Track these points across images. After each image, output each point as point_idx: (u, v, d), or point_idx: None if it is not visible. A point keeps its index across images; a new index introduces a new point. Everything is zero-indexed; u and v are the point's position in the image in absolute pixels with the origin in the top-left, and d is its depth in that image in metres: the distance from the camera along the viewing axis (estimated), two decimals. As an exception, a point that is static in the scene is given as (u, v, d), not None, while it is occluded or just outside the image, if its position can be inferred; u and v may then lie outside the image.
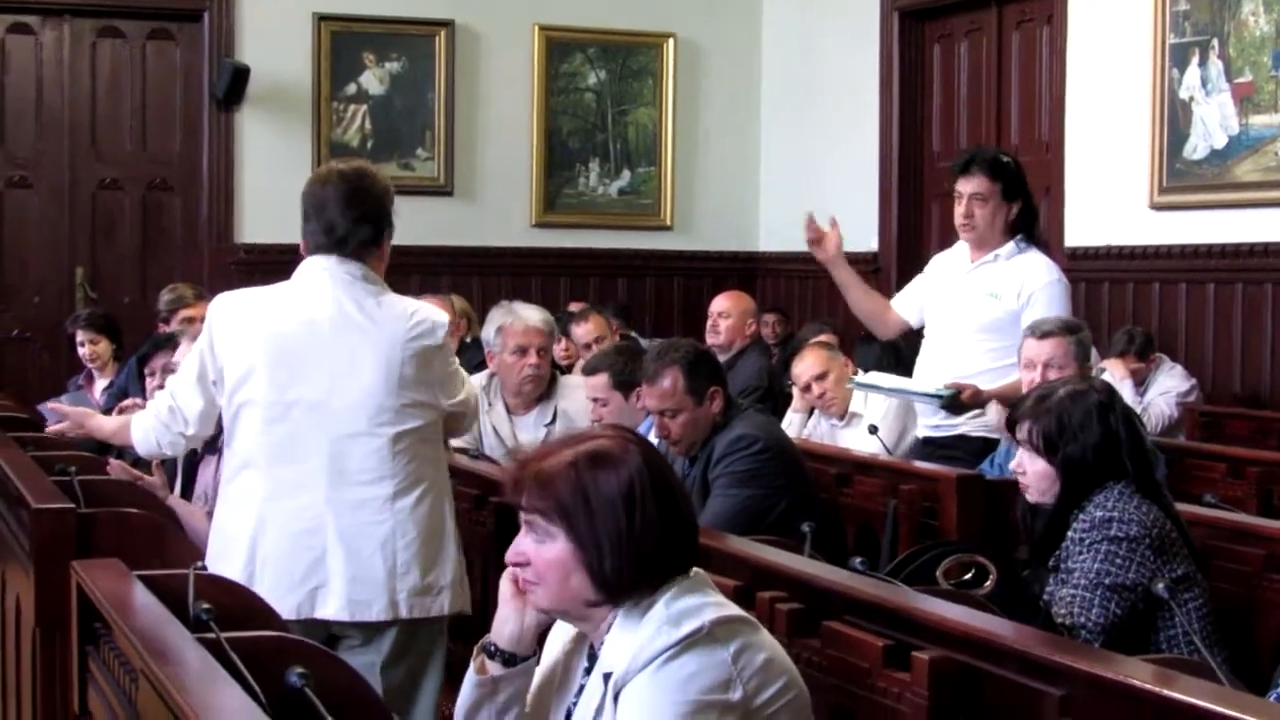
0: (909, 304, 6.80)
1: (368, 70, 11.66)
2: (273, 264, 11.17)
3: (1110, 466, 4.46)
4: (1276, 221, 8.41)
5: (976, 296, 6.39)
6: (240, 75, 11.14)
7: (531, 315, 6.90)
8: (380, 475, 4.42)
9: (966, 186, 6.43)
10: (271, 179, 11.32)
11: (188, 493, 5.63)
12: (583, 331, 8.81)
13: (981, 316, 6.35)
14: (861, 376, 6.78)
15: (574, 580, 3.00)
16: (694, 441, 5.70)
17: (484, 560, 5.18)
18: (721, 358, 8.34)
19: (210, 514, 5.26)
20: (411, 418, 4.46)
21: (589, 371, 6.56)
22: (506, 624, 3.15)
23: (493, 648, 3.16)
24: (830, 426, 7.25)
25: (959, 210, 6.48)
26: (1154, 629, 4.31)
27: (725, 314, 8.51)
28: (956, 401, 6.16)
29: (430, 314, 4.62)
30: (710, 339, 8.58)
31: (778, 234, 12.35)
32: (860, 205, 11.34)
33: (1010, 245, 6.40)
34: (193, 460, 5.59)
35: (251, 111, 11.34)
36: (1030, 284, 6.30)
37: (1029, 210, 6.47)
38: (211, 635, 3.26)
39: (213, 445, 5.39)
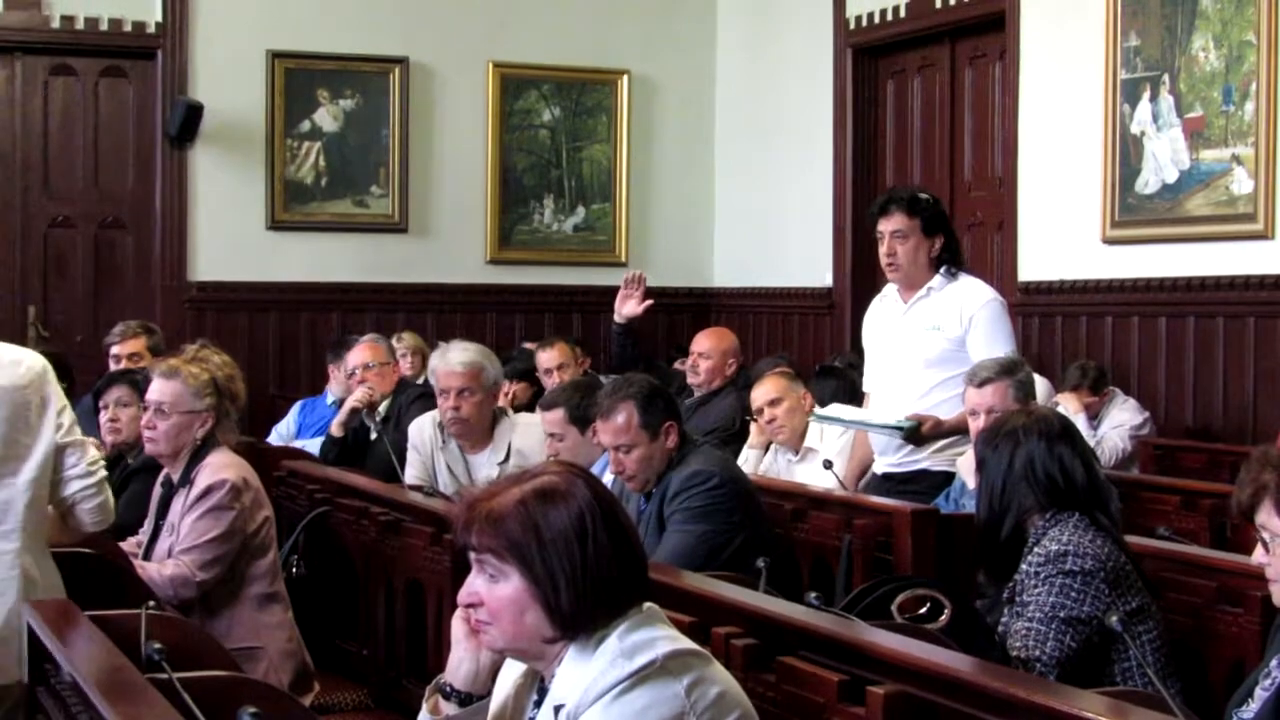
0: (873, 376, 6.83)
1: (322, 107, 11.64)
2: (226, 302, 11.28)
3: (1054, 495, 4.51)
4: (1228, 255, 8.46)
5: (918, 333, 6.41)
6: (194, 113, 11.11)
7: (453, 357, 6.87)
8: (11, 528, 4.35)
9: (887, 226, 6.46)
10: (225, 216, 11.31)
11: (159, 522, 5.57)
12: (547, 357, 8.84)
13: (928, 351, 6.38)
14: (822, 410, 6.79)
15: (529, 617, 2.98)
16: (649, 477, 5.69)
17: (439, 598, 5.16)
18: (697, 395, 8.39)
19: (171, 550, 5.27)
20: (30, 468, 4.40)
21: (546, 406, 6.55)
22: (462, 665, 3.13)
23: (448, 688, 3.14)
24: (787, 462, 7.26)
25: (882, 250, 6.52)
26: (1108, 661, 4.33)
27: (706, 355, 8.47)
28: (917, 433, 6.19)
29: (33, 361, 4.56)
30: (690, 379, 8.58)
31: (732, 269, 12.39)
32: (814, 241, 11.39)
33: (939, 277, 6.43)
34: (169, 491, 5.55)
35: (205, 149, 11.31)
36: (969, 306, 6.33)
37: (952, 244, 6.50)
38: (164, 675, 3.25)
39: (186, 477, 5.38)
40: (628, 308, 7.72)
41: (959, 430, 6.10)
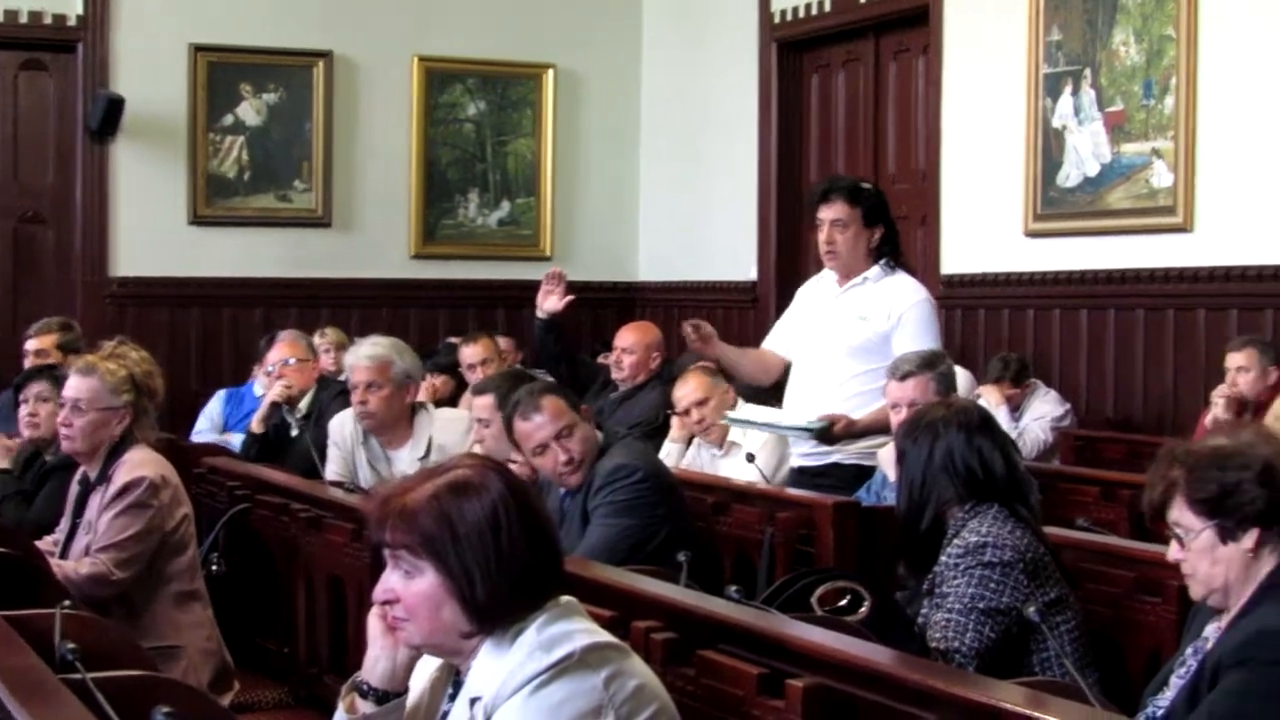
0: (783, 339, 6.81)
1: (245, 101, 11.57)
2: (147, 297, 11.19)
3: (974, 487, 4.54)
4: (1148, 248, 8.53)
5: (846, 319, 6.42)
6: (115, 106, 11.02)
7: (361, 351, 6.87)
8: None
9: (827, 214, 6.48)
10: (146, 211, 11.23)
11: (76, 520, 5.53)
12: (470, 352, 8.86)
13: (851, 339, 6.39)
14: (734, 411, 6.80)
15: (445, 612, 2.97)
16: (592, 460, 5.68)
17: (360, 594, 5.14)
18: (622, 389, 8.40)
19: (89, 548, 5.22)
20: None
21: (477, 392, 6.65)
22: (379, 662, 3.10)
23: (365, 686, 3.11)
24: (711, 456, 7.25)
25: (821, 238, 6.52)
26: (1028, 652, 4.35)
27: (629, 350, 8.47)
28: (829, 432, 6.19)
29: None
30: (614, 374, 8.57)
31: (657, 264, 12.39)
32: (739, 235, 11.41)
33: (877, 269, 6.45)
34: (86, 488, 5.50)
35: (126, 143, 11.21)
36: (899, 305, 6.35)
37: (891, 235, 6.52)
38: (77, 676, 3.22)
39: (103, 475, 5.34)
40: (549, 303, 7.73)
41: (873, 430, 6.12)
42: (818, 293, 6.71)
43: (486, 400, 6.40)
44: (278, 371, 8.02)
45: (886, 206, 6.62)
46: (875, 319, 6.35)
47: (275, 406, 7.85)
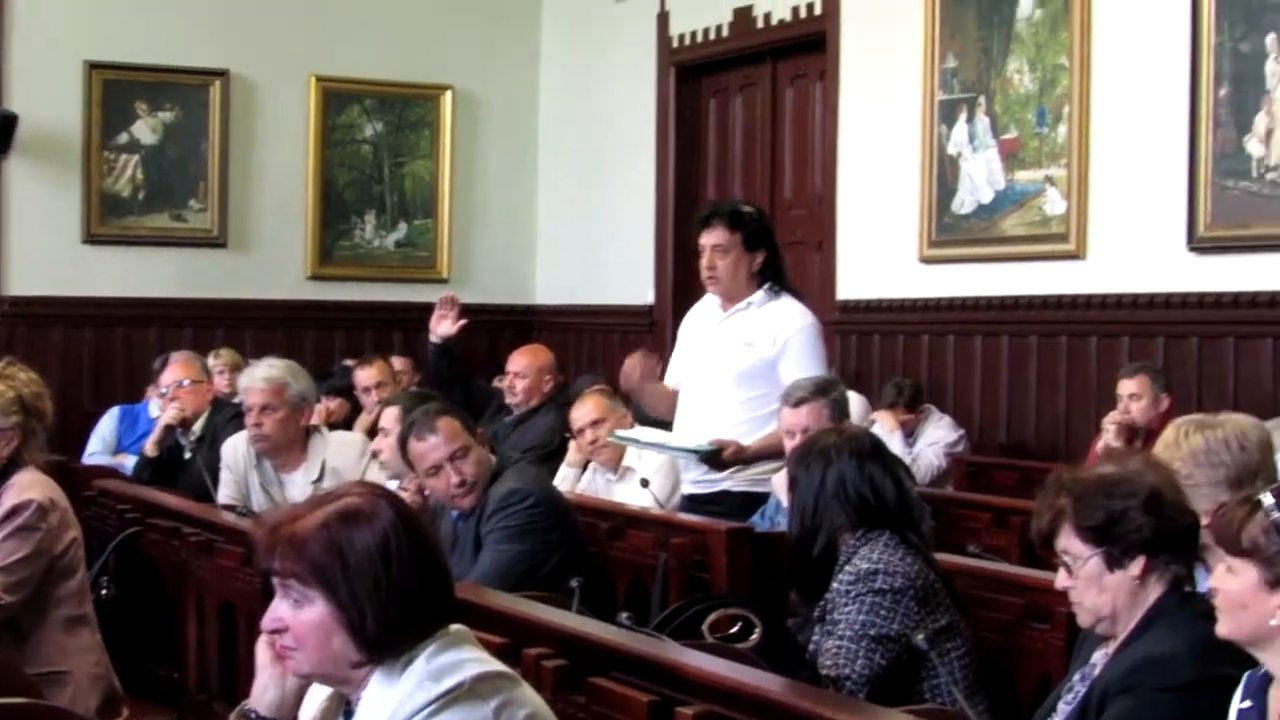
0: (678, 374, 6.81)
1: (140, 120, 11.46)
2: (40, 317, 11.06)
3: (865, 514, 4.56)
4: (1041, 275, 8.61)
5: (731, 345, 6.41)
6: (8, 123, 10.88)
7: (256, 373, 6.87)
8: None
9: (708, 239, 6.48)
10: (39, 230, 11.10)
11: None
12: (365, 375, 8.88)
13: (737, 364, 6.38)
14: (623, 431, 6.79)
15: (335, 642, 2.94)
16: (485, 484, 5.67)
17: (250, 620, 5.10)
18: (516, 413, 8.37)
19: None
20: None
21: (388, 404, 6.77)
22: (267, 691, 3.07)
23: (253, 714, 3.08)
24: (606, 481, 7.25)
25: (703, 263, 6.52)
26: (918, 679, 4.38)
27: (521, 374, 8.40)
28: (718, 457, 6.19)
29: None
30: (508, 398, 8.53)
31: (554, 287, 12.38)
32: (636, 259, 11.42)
33: (761, 293, 6.45)
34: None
35: (20, 160, 11.08)
36: (784, 330, 6.34)
37: (774, 259, 6.53)
38: (-42, 704, 3.18)
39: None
40: (442, 328, 7.71)
41: (763, 456, 6.13)
42: (702, 319, 6.71)
43: (394, 411, 6.46)
44: (171, 394, 7.95)
45: (769, 230, 6.62)
46: (760, 344, 6.35)
47: (169, 429, 7.78)
